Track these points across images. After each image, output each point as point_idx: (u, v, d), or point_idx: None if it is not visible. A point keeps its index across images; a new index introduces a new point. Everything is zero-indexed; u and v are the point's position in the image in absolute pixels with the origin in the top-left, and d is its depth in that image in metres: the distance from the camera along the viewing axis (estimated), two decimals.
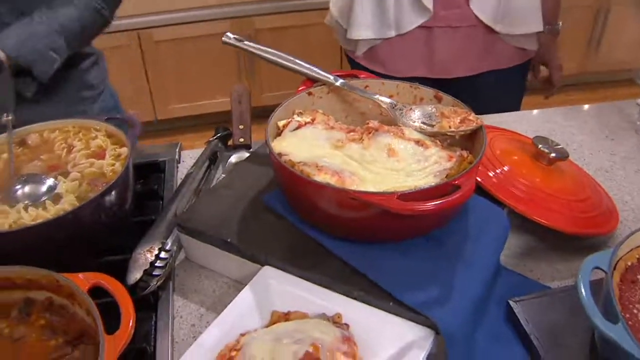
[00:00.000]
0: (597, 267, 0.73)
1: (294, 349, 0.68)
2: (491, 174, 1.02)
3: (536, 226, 0.97)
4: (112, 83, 1.59)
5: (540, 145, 1.05)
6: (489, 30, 1.57)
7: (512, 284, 0.91)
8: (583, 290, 0.70)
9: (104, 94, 1.53)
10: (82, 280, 0.72)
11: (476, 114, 0.94)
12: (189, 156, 1.26)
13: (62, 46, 1.26)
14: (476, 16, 1.53)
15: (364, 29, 1.58)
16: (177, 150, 1.26)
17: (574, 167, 1.14)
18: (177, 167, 1.23)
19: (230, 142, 1.26)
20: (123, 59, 3.25)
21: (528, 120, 1.43)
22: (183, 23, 3.26)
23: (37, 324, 0.76)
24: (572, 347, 0.80)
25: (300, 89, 1.04)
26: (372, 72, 1.55)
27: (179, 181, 1.14)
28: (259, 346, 0.70)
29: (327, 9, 1.77)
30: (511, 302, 0.85)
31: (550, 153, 1.04)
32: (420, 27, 1.55)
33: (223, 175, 1.15)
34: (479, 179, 0.99)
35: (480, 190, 0.98)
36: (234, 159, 1.19)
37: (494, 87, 1.66)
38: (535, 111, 1.50)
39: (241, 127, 1.22)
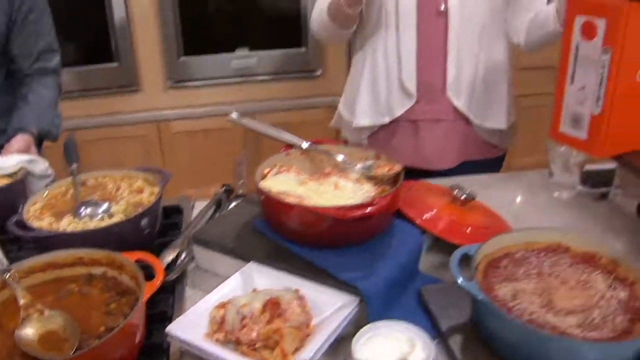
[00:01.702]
0: (465, 253, 1.12)
1: (264, 297, 1.07)
2: (424, 216, 1.40)
3: (451, 246, 1.29)
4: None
5: (455, 191, 1.45)
6: (467, 123, 1.85)
7: (426, 283, 1.29)
8: (454, 264, 1.08)
9: None
10: (131, 256, 1.12)
11: None
12: (199, 205, 1.66)
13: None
14: (454, 108, 1.81)
15: (364, 117, 1.89)
16: (192, 199, 1.68)
17: (484, 206, 1.52)
18: (192, 211, 1.64)
19: (231, 196, 1.66)
20: (144, 147, 3.69)
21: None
22: (197, 117, 3.73)
23: (97, 287, 1.14)
24: (458, 317, 1.16)
25: (282, 150, 1.46)
26: None
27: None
28: (242, 298, 1.10)
29: (320, 107, 2.11)
30: (422, 289, 1.23)
31: (462, 196, 1.43)
32: (408, 120, 1.85)
33: None
34: (415, 222, 1.35)
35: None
36: (233, 205, 1.59)
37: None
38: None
39: (240, 182, 1.64)
